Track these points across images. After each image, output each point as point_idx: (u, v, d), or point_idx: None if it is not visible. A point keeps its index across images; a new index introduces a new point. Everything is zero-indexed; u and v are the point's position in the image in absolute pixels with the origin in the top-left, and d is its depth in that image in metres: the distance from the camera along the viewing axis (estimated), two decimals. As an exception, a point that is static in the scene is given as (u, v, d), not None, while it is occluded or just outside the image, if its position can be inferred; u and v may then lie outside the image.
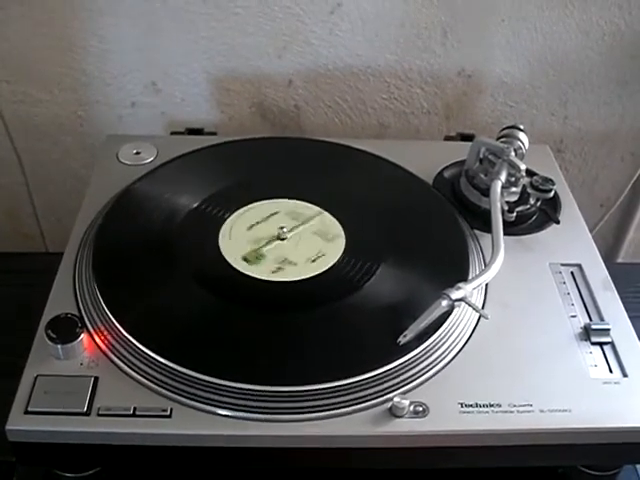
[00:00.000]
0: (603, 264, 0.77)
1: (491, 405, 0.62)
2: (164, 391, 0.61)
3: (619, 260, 1.23)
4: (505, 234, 0.73)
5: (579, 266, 0.77)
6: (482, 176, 0.82)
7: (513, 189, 0.80)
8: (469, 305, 0.66)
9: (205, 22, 0.96)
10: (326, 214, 0.80)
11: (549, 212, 0.82)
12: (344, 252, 0.75)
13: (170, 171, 0.84)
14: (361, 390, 0.62)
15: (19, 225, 1.15)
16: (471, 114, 1.07)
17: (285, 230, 0.76)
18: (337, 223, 0.78)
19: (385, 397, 0.62)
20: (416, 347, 0.65)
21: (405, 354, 0.64)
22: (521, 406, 0.62)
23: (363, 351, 0.65)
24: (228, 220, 0.78)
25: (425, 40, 1.00)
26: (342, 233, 0.77)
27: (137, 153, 0.88)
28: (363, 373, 0.62)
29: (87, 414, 0.59)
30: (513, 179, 0.79)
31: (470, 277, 0.70)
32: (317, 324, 0.67)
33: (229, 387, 0.61)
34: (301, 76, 1.02)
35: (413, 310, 0.66)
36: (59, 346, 0.63)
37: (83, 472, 0.65)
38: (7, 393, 0.61)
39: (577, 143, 1.11)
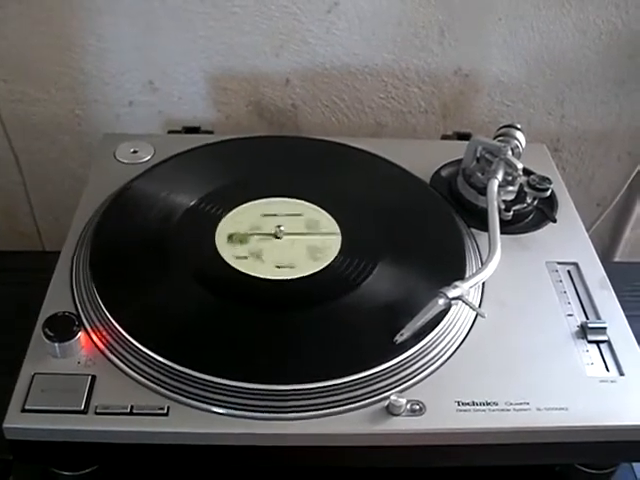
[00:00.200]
0: (600, 263, 0.78)
1: (488, 403, 0.62)
2: (161, 389, 0.61)
3: (616, 259, 1.23)
4: (502, 233, 0.73)
5: (576, 265, 0.77)
6: (479, 175, 0.82)
7: (510, 188, 0.80)
8: (466, 304, 0.66)
9: (203, 21, 0.96)
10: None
11: (546, 211, 0.82)
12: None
13: (167, 170, 0.84)
14: (358, 388, 0.62)
15: (16, 224, 1.15)
16: (468, 113, 1.07)
17: (281, 228, 0.76)
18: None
19: (382, 395, 0.62)
20: (413, 346, 0.65)
21: (402, 353, 0.64)
22: (518, 404, 0.62)
23: (360, 350, 0.65)
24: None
25: (422, 39, 1.00)
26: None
27: (134, 152, 0.88)
28: (360, 372, 0.62)
29: (84, 412, 0.60)
30: (510, 178, 0.79)
31: (467, 276, 0.71)
32: (314, 323, 0.67)
33: (226, 385, 0.61)
34: (298, 75, 1.02)
35: (410, 309, 0.66)
36: (56, 344, 0.63)
37: (80, 470, 0.65)
38: (4, 391, 0.61)
39: (574, 142, 1.11)
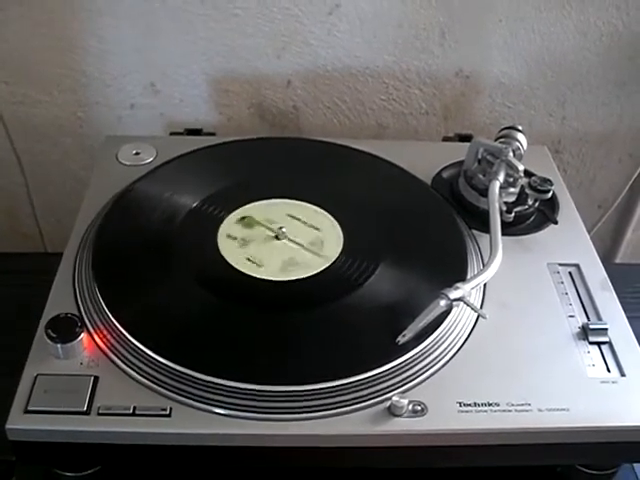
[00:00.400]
0: (601, 264, 0.78)
1: (489, 404, 0.62)
2: (164, 390, 0.61)
3: (617, 261, 1.23)
4: (503, 234, 0.74)
5: (577, 266, 0.77)
6: (480, 176, 0.82)
7: (511, 189, 0.80)
8: (467, 305, 0.66)
9: (204, 23, 0.97)
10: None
11: (547, 212, 0.82)
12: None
13: (169, 171, 0.84)
14: (360, 389, 0.62)
15: (18, 225, 1.15)
16: (469, 115, 1.07)
17: (283, 230, 0.76)
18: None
19: (384, 396, 0.62)
20: (415, 347, 0.65)
21: (404, 354, 0.64)
22: (519, 405, 0.63)
23: (362, 351, 0.65)
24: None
25: (423, 41, 1.00)
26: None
27: (136, 154, 0.88)
28: (362, 373, 0.62)
29: (87, 413, 0.60)
30: (511, 179, 0.80)
31: (468, 277, 0.71)
32: (315, 324, 0.67)
33: (228, 387, 0.61)
34: (300, 77, 1.03)
35: (412, 310, 0.66)
36: (59, 345, 0.63)
37: (83, 471, 0.65)
38: (7, 393, 0.61)
39: (575, 144, 1.11)
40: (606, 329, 0.69)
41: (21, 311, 0.73)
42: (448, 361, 0.66)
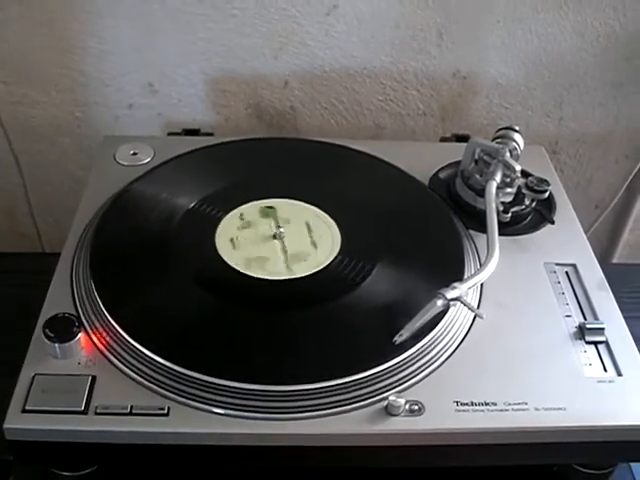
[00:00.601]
0: (597, 264, 0.78)
1: (486, 404, 0.63)
2: (161, 390, 0.62)
3: (614, 261, 1.24)
4: (500, 234, 0.74)
5: (574, 266, 0.77)
6: (477, 177, 0.82)
7: (508, 190, 0.80)
8: (464, 304, 0.67)
9: (202, 23, 0.97)
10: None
11: (544, 212, 0.83)
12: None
13: (167, 172, 0.84)
14: (357, 389, 0.62)
15: (16, 225, 1.15)
16: (466, 115, 1.07)
17: (281, 230, 0.76)
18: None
19: (381, 396, 0.62)
20: (412, 346, 0.65)
21: (401, 353, 0.64)
22: (516, 404, 0.63)
23: (359, 350, 0.65)
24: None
25: (420, 42, 1.00)
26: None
27: (134, 154, 0.88)
28: (359, 372, 0.62)
29: (84, 413, 0.60)
30: (508, 180, 0.80)
31: (465, 277, 0.71)
32: (313, 323, 0.68)
33: (225, 386, 0.61)
34: (297, 77, 1.03)
35: (409, 309, 0.66)
36: (57, 345, 0.63)
37: (80, 471, 0.65)
38: (5, 393, 0.61)
39: (572, 144, 1.12)
40: (603, 329, 0.70)
41: (19, 311, 0.73)
42: (445, 360, 0.66)
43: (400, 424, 0.61)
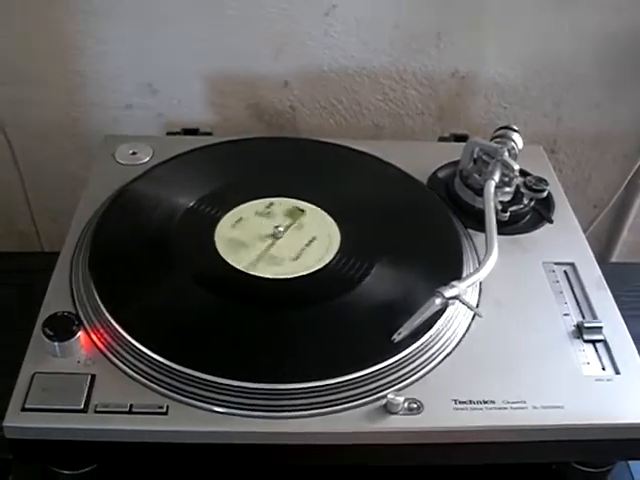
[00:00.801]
0: (596, 263, 0.78)
1: (485, 402, 0.63)
2: (160, 388, 0.62)
3: (612, 260, 1.24)
4: (499, 233, 0.74)
5: (572, 265, 0.78)
6: (476, 176, 0.82)
7: (507, 189, 0.80)
8: (463, 303, 0.67)
9: (201, 23, 0.97)
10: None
11: (542, 212, 0.83)
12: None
13: (166, 171, 0.85)
14: (356, 387, 0.62)
15: (15, 225, 1.15)
16: (465, 115, 1.08)
17: (280, 229, 0.77)
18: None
19: (380, 394, 0.62)
20: (410, 345, 0.65)
21: (399, 351, 0.64)
22: (514, 403, 0.63)
23: (358, 348, 0.65)
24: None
25: (419, 42, 1.00)
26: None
27: (133, 153, 0.88)
28: (358, 370, 0.62)
29: (84, 411, 0.60)
30: (507, 179, 0.80)
31: (464, 276, 0.71)
32: (312, 322, 0.68)
33: (224, 384, 0.61)
34: (296, 77, 1.03)
35: (407, 308, 0.67)
36: (56, 344, 0.63)
37: (80, 469, 0.65)
38: (5, 391, 0.61)
39: (570, 144, 1.12)
40: (601, 327, 0.70)
41: (18, 310, 0.73)
42: (444, 359, 0.66)
43: (399, 422, 0.61)
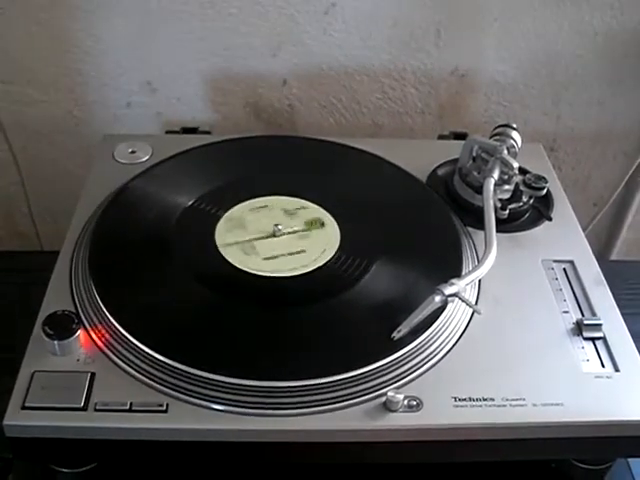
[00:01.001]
0: (595, 260, 0.78)
1: (484, 399, 0.63)
2: (160, 386, 0.62)
3: (612, 258, 1.24)
4: (498, 231, 0.74)
5: (571, 262, 0.78)
6: (475, 174, 0.82)
7: (506, 187, 0.80)
8: (462, 300, 0.67)
9: (200, 22, 0.97)
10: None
11: (542, 209, 0.83)
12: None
13: (165, 170, 0.85)
14: (356, 385, 0.62)
15: (14, 224, 1.15)
16: (464, 113, 1.08)
17: (280, 227, 0.77)
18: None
19: (379, 392, 0.62)
20: (410, 342, 0.65)
21: (399, 349, 0.64)
22: (514, 400, 0.63)
23: (357, 346, 0.65)
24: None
25: (419, 40, 1.00)
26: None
27: (133, 152, 0.88)
28: (358, 368, 0.63)
29: (84, 409, 0.60)
30: (506, 177, 0.80)
31: (463, 273, 0.71)
32: (311, 320, 0.68)
33: (224, 382, 0.61)
34: (295, 76, 1.03)
35: (407, 306, 0.67)
36: (56, 342, 0.63)
37: (80, 467, 0.65)
38: (5, 390, 0.61)
39: (570, 142, 1.12)
40: (600, 325, 0.70)
41: (18, 309, 0.73)
42: (443, 356, 0.66)
43: (398, 420, 0.61)
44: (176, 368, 0.62)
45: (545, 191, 0.81)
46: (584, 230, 0.83)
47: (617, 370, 0.67)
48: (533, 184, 0.80)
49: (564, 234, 0.81)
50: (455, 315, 0.69)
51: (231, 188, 0.82)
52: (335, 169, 0.87)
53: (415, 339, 0.65)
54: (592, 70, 1.04)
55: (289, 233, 0.77)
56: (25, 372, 0.62)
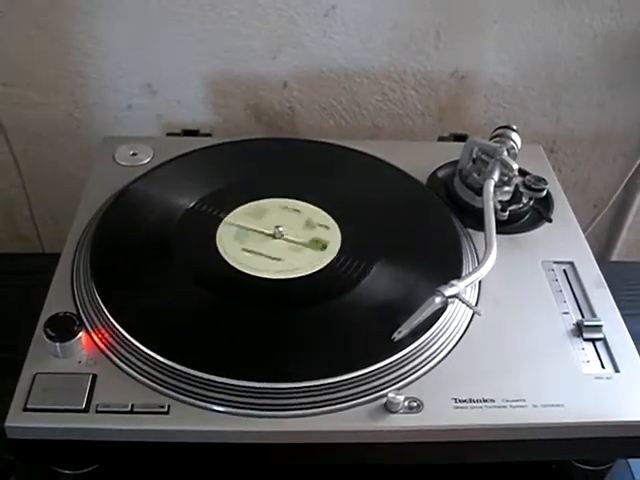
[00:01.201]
0: (595, 262, 0.78)
1: (485, 400, 0.63)
2: (161, 388, 0.62)
3: (612, 260, 1.24)
4: (498, 232, 0.74)
5: (571, 264, 0.78)
6: (475, 176, 0.82)
7: (506, 188, 0.81)
8: (462, 302, 0.67)
9: (200, 24, 0.97)
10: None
11: (541, 211, 0.83)
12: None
13: (166, 172, 0.85)
14: (356, 386, 0.62)
15: (16, 227, 1.16)
16: (464, 115, 1.08)
17: (280, 229, 0.77)
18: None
19: (380, 393, 0.62)
20: (410, 343, 0.65)
21: (399, 350, 0.64)
22: (514, 401, 0.63)
23: (358, 347, 0.65)
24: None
25: (418, 42, 1.01)
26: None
27: (133, 154, 0.88)
28: (358, 369, 0.63)
29: (85, 411, 0.60)
30: (506, 178, 0.80)
31: (463, 274, 0.71)
32: (312, 321, 0.68)
33: (225, 384, 0.61)
34: (296, 78, 1.03)
35: (407, 307, 0.67)
36: (57, 344, 0.63)
37: (81, 469, 0.66)
38: (7, 392, 0.61)
39: (570, 144, 1.12)
40: (600, 326, 0.70)
41: (20, 311, 0.74)
42: (444, 358, 0.66)
43: (399, 421, 0.61)
44: (177, 370, 0.62)
45: (545, 192, 0.81)
46: (584, 231, 0.84)
47: (617, 371, 0.67)
48: (533, 185, 0.80)
49: (564, 235, 0.81)
50: (455, 316, 0.69)
51: (232, 190, 0.82)
52: (335, 171, 0.87)
53: (415, 340, 0.65)
54: (592, 72, 1.04)
55: (289, 235, 0.77)
56: (27, 374, 0.62)
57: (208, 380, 0.62)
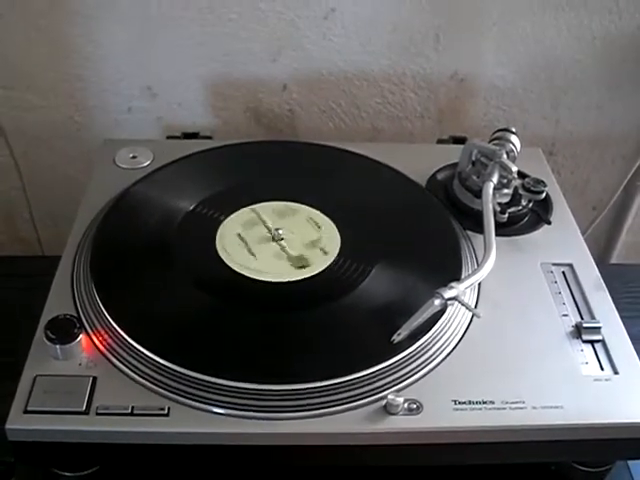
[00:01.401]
0: (594, 264, 0.78)
1: (484, 402, 0.63)
2: (161, 390, 0.62)
3: (611, 262, 1.24)
4: (497, 235, 0.74)
5: (570, 266, 0.78)
6: (474, 178, 0.83)
7: (505, 191, 0.81)
8: (462, 304, 0.67)
9: (200, 27, 0.97)
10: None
11: (540, 213, 0.83)
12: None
13: (166, 175, 0.85)
14: (356, 388, 0.62)
15: (16, 230, 1.16)
16: (464, 118, 1.08)
17: (280, 232, 0.77)
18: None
19: (379, 395, 0.63)
20: (410, 345, 0.65)
21: (399, 352, 0.65)
22: (514, 403, 0.63)
23: (357, 350, 0.66)
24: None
25: (418, 44, 1.01)
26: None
27: (133, 157, 0.89)
28: (358, 371, 0.63)
29: (86, 413, 0.60)
30: (505, 181, 0.80)
31: (463, 277, 0.71)
32: (312, 324, 0.68)
33: (225, 386, 0.62)
34: (295, 81, 1.03)
35: (407, 309, 0.67)
36: (58, 346, 0.63)
37: (82, 471, 0.66)
38: (7, 394, 0.61)
39: (569, 146, 1.12)
40: (599, 327, 0.70)
41: (20, 313, 0.74)
42: (443, 359, 0.66)
43: (398, 423, 0.61)
44: (177, 372, 0.62)
45: (544, 195, 0.81)
46: (583, 234, 0.84)
47: (616, 373, 0.67)
48: (532, 188, 0.80)
49: (563, 238, 0.81)
50: (455, 318, 0.69)
51: (232, 193, 0.82)
52: (335, 174, 0.87)
53: (415, 342, 0.66)
54: (591, 74, 1.05)
55: (289, 238, 0.77)
56: (27, 376, 0.63)
57: (208, 382, 0.62)
